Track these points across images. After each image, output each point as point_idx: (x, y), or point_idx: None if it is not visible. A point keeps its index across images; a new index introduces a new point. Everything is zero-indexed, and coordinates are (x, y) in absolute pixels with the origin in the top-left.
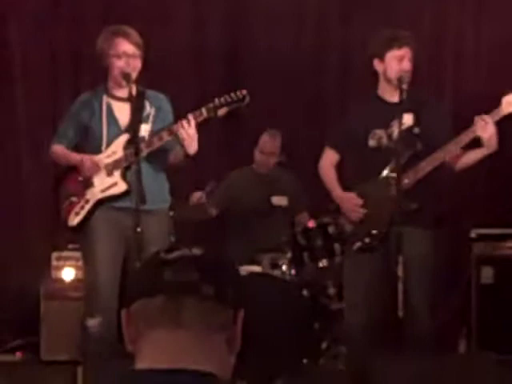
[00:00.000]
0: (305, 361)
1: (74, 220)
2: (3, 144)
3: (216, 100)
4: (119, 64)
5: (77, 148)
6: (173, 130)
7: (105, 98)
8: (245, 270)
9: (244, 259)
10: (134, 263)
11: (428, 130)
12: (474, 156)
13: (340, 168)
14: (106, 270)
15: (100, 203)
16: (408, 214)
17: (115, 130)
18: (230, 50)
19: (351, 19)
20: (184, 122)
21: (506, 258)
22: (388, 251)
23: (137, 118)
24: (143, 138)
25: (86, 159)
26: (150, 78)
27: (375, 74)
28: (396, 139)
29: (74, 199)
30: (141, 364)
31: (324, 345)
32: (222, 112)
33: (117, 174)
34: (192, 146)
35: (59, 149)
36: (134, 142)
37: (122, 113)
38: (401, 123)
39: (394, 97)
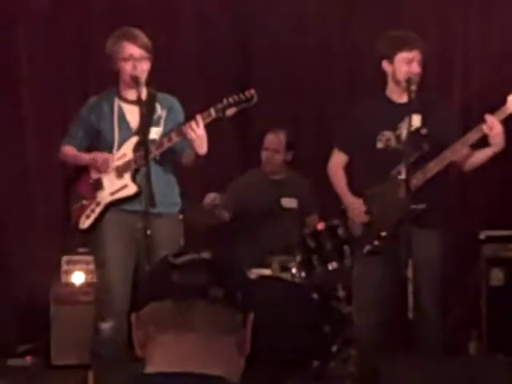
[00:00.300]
0: (315, 364)
1: (85, 223)
2: (11, 147)
3: (224, 100)
4: (127, 67)
5: (88, 151)
6: (182, 131)
7: (116, 101)
8: (254, 272)
9: (253, 262)
10: (144, 267)
11: (436, 131)
12: (482, 155)
13: (349, 169)
14: (117, 273)
15: (110, 206)
16: (417, 215)
17: (127, 133)
18: (239, 52)
19: (358, 20)
20: (192, 123)
21: None
22: (397, 253)
23: (147, 120)
24: (154, 140)
25: (98, 156)
26: (158, 79)
27: (383, 74)
28: (404, 141)
29: (84, 202)
30: (150, 367)
31: (334, 348)
32: (230, 112)
33: (127, 176)
34: (202, 147)
35: (69, 149)
36: (143, 144)
37: (134, 115)
38: (410, 124)
39: (402, 98)
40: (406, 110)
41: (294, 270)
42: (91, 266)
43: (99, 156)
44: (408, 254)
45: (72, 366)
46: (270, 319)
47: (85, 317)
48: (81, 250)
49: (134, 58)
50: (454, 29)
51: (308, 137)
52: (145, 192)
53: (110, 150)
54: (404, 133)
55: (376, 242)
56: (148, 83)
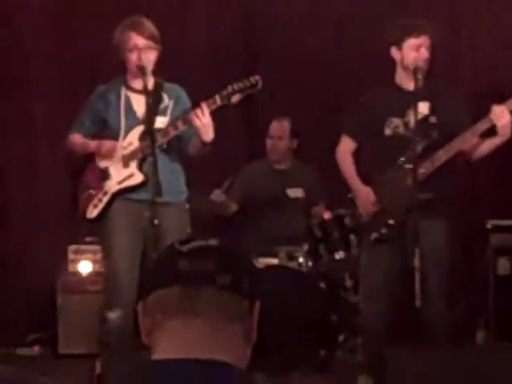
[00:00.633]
0: (322, 353)
1: (93, 212)
2: (20, 138)
3: (229, 87)
4: (132, 58)
5: (95, 139)
6: (187, 118)
7: (123, 90)
8: (261, 262)
9: (261, 252)
10: (151, 256)
11: (444, 119)
12: (490, 144)
13: (357, 155)
14: (125, 262)
15: (117, 195)
16: (424, 203)
17: (133, 122)
18: (247, 42)
19: (367, 11)
20: (198, 111)
21: None
22: (405, 242)
23: (153, 109)
24: (160, 130)
25: (104, 143)
26: (167, 70)
27: (392, 61)
28: (412, 128)
29: (91, 191)
30: (157, 354)
31: (341, 337)
32: (235, 99)
33: (133, 165)
34: (208, 134)
35: (77, 137)
36: (149, 133)
37: (140, 105)
38: (416, 112)
39: (410, 85)
40: (414, 98)
41: (300, 260)
42: (98, 256)
43: (105, 142)
44: (415, 242)
45: (79, 355)
46: (277, 308)
47: (92, 306)
48: (88, 239)
49: (139, 48)
50: (462, 18)
51: (314, 126)
52: (151, 181)
53: (116, 138)
54: (412, 120)
55: (383, 230)
56: (155, 73)
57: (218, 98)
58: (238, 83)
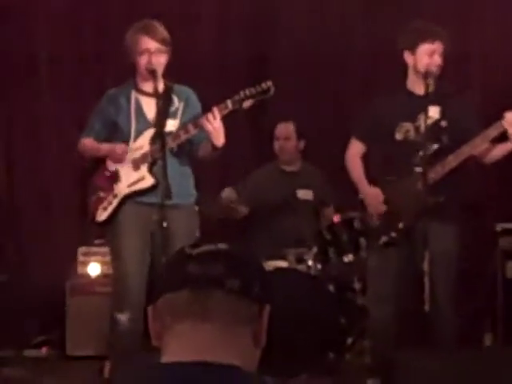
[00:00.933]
0: (330, 356)
1: (102, 215)
2: (29, 139)
3: (241, 92)
4: (143, 61)
5: (106, 143)
6: (198, 123)
7: (133, 94)
8: (270, 265)
9: (270, 254)
10: (160, 259)
11: (455, 124)
12: (502, 149)
13: (366, 160)
14: (134, 264)
15: (127, 198)
16: (434, 207)
17: (143, 125)
18: (256, 45)
19: (375, 15)
20: (209, 115)
21: None
22: (414, 246)
23: (164, 112)
24: (171, 132)
25: (116, 146)
26: (177, 72)
27: (404, 66)
28: (423, 132)
29: (101, 194)
30: (166, 357)
31: (350, 340)
32: (247, 104)
33: (144, 168)
34: (219, 139)
35: (88, 141)
36: (160, 136)
37: (150, 108)
38: (427, 117)
39: (422, 90)
40: (425, 102)
41: (310, 262)
42: (107, 258)
43: (117, 146)
44: (425, 246)
45: (88, 356)
46: (286, 311)
47: (100, 308)
48: (97, 241)
49: (150, 51)
50: (470, 20)
51: (321, 130)
52: (161, 184)
53: (126, 141)
54: (423, 125)
55: (393, 234)
56: (165, 76)
57: (229, 102)
58: (250, 89)
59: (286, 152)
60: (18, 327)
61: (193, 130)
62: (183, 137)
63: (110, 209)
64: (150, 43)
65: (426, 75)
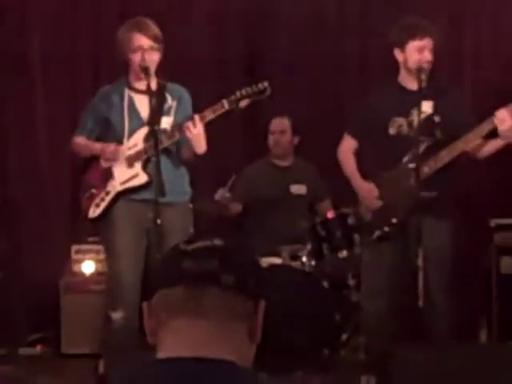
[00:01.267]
0: (325, 352)
1: (95, 212)
2: (23, 138)
3: (237, 92)
4: (136, 58)
5: (99, 141)
6: (182, 128)
7: (126, 91)
8: (264, 261)
9: (264, 251)
10: (154, 256)
11: (447, 118)
12: (495, 145)
13: (359, 155)
14: (128, 262)
15: (120, 195)
16: (427, 203)
17: (137, 123)
18: (251, 47)
19: (369, 14)
20: (189, 124)
21: None
22: (407, 241)
23: (157, 110)
24: (165, 130)
25: (108, 145)
26: (170, 71)
27: (396, 62)
28: (416, 127)
29: (94, 191)
30: (162, 353)
31: (344, 336)
32: (243, 104)
33: (138, 165)
34: (199, 146)
35: (81, 140)
36: (153, 134)
37: (143, 105)
38: (420, 112)
39: (414, 85)
40: (418, 97)
41: (304, 259)
42: (101, 255)
43: (109, 146)
44: (418, 242)
45: (82, 354)
46: (281, 308)
47: (95, 306)
48: (91, 239)
49: (143, 48)
50: (464, 16)
51: (314, 126)
52: (155, 182)
53: (119, 139)
54: (416, 119)
55: (386, 229)
56: (158, 73)
57: (225, 102)
58: (247, 88)
59: (280, 146)
60: (13, 325)
61: (177, 135)
62: (177, 136)
63: (103, 205)
64: (143, 40)
65: (418, 71)
